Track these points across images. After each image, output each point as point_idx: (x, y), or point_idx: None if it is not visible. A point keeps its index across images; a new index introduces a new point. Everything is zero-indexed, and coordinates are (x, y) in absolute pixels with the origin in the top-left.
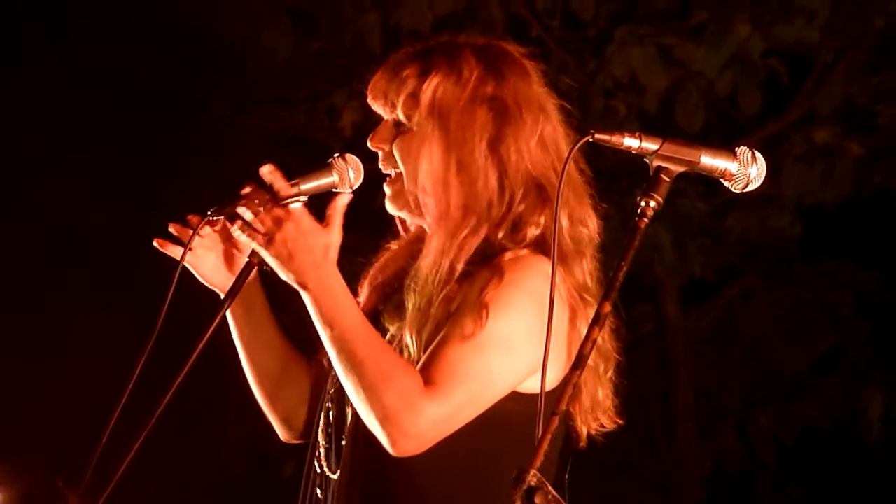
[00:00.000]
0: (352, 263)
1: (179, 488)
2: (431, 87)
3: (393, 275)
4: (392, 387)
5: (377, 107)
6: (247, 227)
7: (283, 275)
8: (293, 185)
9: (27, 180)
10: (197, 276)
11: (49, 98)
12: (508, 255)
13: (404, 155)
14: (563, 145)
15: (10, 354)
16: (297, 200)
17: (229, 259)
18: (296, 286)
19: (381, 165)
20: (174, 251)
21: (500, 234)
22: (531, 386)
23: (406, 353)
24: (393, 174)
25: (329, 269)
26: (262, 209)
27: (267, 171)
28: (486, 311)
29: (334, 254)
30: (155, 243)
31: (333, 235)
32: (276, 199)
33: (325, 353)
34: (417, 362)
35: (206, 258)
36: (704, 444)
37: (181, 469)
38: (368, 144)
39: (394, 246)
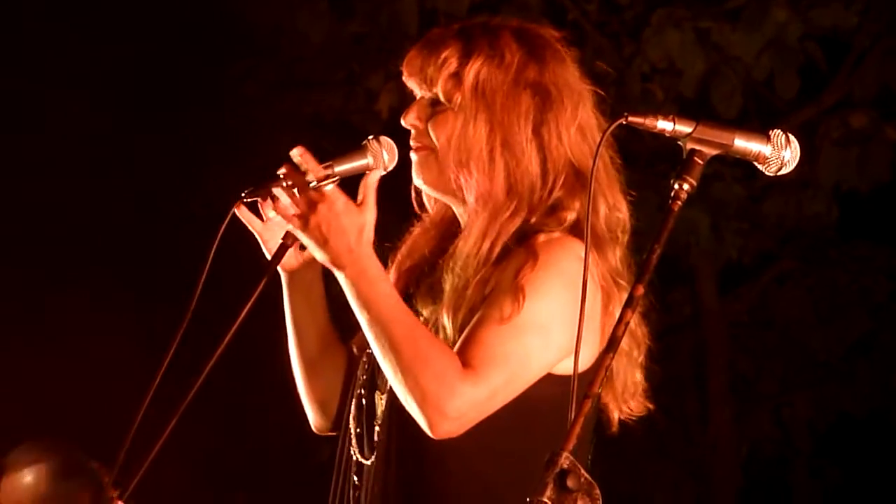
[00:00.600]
0: (381, 248)
1: (215, 470)
2: (474, 68)
3: (421, 257)
4: (429, 368)
5: (412, 83)
6: (281, 208)
7: (319, 256)
8: (326, 168)
9: (58, 166)
10: (265, 250)
11: (79, 84)
12: (542, 237)
13: (442, 133)
14: (598, 132)
15: (43, 332)
16: (330, 182)
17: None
18: (331, 268)
19: (412, 142)
20: (251, 220)
21: (536, 218)
22: (565, 368)
23: (442, 335)
24: (421, 150)
25: (364, 251)
26: (295, 191)
27: (297, 154)
28: (522, 293)
29: (370, 233)
30: (236, 210)
31: (367, 214)
32: (308, 181)
33: (355, 340)
34: (454, 344)
35: (277, 233)
36: (740, 429)
37: (217, 451)
38: (402, 121)
39: (418, 228)
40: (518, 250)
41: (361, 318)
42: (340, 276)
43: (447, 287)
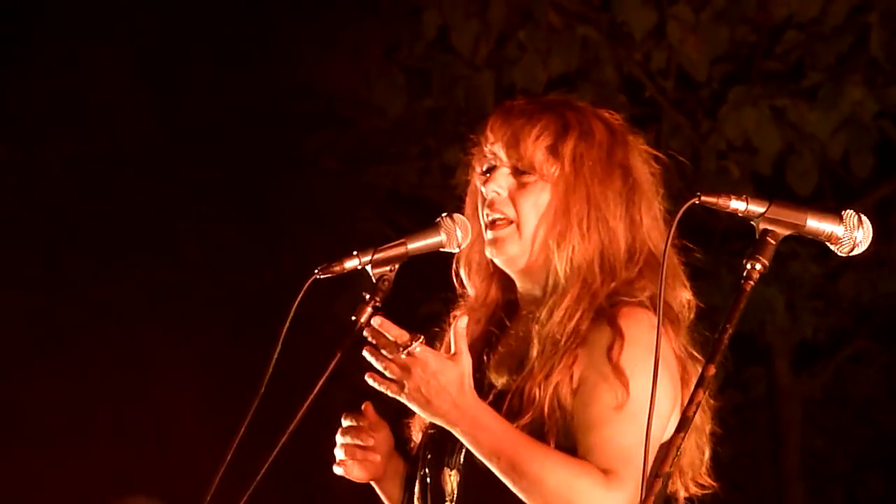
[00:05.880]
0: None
1: None
2: (572, 142)
3: (480, 338)
4: (577, 492)
5: (498, 150)
6: (378, 380)
7: (425, 416)
8: (401, 245)
9: (139, 244)
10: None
11: (158, 160)
12: (624, 310)
13: (532, 203)
14: (662, 218)
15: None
16: (417, 343)
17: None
18: (442, 424)
19: (491, 213)
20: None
21: (613, 290)
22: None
23: (526, 401)
24: (502, 224)
25: (468, 400)
26: (388, 358)
27: (377, 325)
28: (622, 375)
29: (469, 380)
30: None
31: (462, 363)
32: (397, 347)
33: (413, 421)
34: (546, 410)
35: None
36: None
37: None
38: (485, 188)
39: (461, 311)
40: (601, 324)
41: (489, 464)
42: (455, 431)
43: (534, 354)
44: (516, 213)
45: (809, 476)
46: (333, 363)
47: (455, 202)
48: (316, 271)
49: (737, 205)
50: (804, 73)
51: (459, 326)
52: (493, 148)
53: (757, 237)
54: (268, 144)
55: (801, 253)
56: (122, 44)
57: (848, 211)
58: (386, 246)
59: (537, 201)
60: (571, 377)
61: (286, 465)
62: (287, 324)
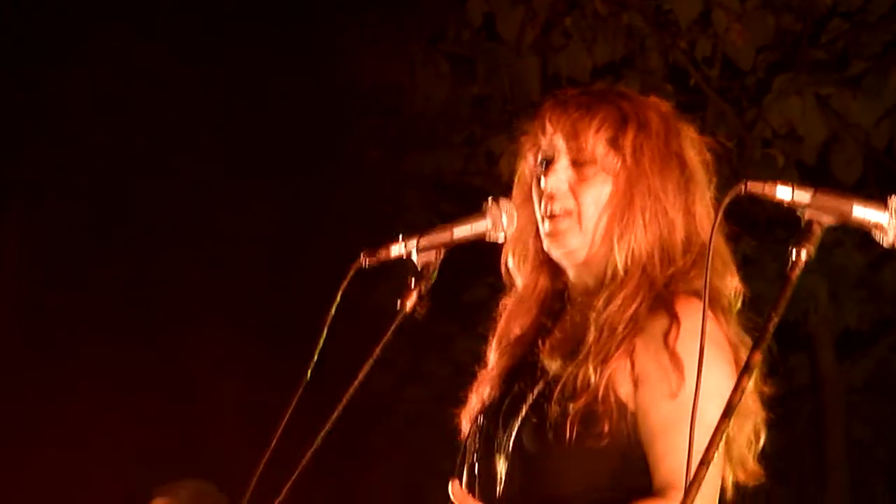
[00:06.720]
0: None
1: None
2: (632, 134)
3: (532, 326)
4: None
5: (559, 141)
6: None
7: None
8: (446, 231)
9: (180, 225)
10: None
11: (202, 152)
12: (680, 298)
13: (594, 196)
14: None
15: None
16: None
17: None
18: None
19: (546, 202)
20: None
21: (669, 277)
22: None
23: (584, 383)
24: (564, 216)
25: None
26: None
27: None
28: (679, 362)
29: None
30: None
31: None
32: None
33: (465, 412)
34: (600, 395)
35: None
36: (856, 495)
37: None
38: (545, 180)
39: (510, 301)
40: (658, 312)
41: None
42: None
43: (590, 339)
44: (577, 206)
45: (852, 465)
46: (378, 350)
47: (500, 189)
48: (361, 258)
49: (782, 193)
50: (849, 61)
51: (457, 492)
52: (553, 140)
53: (802, 225)
54: (312, 133)
55: (844, 241)
56: (164, 37)
57: (894, 198)
58: (431, 232)
59: (600, 194)
60: (632, 366)
61: (328, 453)
62: (333, 311)
